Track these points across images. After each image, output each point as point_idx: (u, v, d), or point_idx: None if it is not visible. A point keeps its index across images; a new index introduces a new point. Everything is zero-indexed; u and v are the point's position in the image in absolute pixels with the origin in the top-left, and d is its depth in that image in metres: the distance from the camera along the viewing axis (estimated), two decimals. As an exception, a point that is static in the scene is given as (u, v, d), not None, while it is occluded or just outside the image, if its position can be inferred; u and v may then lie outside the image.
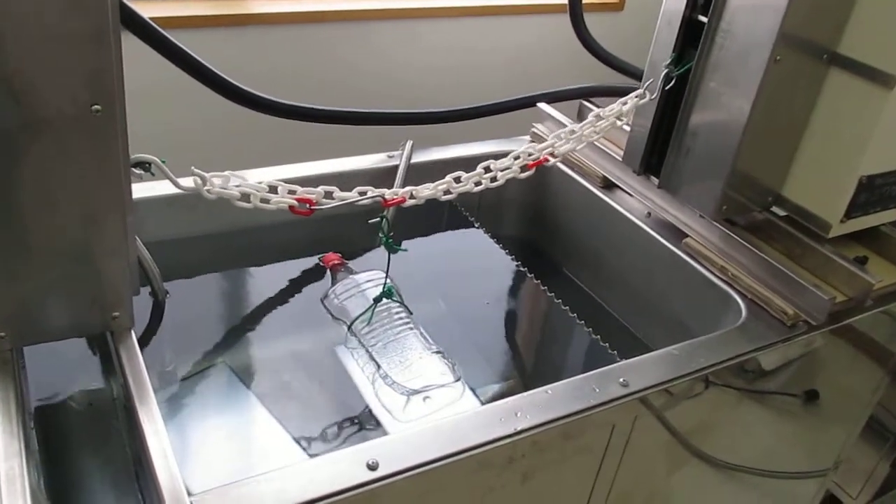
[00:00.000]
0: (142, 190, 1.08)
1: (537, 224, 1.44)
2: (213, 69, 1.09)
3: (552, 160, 1.04)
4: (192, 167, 0.82)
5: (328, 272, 1.20)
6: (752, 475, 1.23)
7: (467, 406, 1.00)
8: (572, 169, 1.34)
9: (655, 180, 1.17)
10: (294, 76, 1.81)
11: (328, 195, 0.89)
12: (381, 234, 0.96)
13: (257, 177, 1.11)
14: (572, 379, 0.88)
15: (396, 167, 1.24)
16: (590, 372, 0.90)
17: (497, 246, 1.28)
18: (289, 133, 1.35)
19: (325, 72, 1.85)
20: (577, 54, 1.44)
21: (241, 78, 1.12)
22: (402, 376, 1.02)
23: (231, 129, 1.57)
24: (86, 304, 0.76)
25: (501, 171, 1.01)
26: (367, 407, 1.01)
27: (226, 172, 0.85)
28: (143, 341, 1.04)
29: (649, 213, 1.23)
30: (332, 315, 1.14)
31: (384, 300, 1.08)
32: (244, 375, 1.05)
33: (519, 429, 0.80)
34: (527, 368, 1.18)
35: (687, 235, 1.17)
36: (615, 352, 1.06)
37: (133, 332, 0.81)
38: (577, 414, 0.84)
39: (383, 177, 1.23)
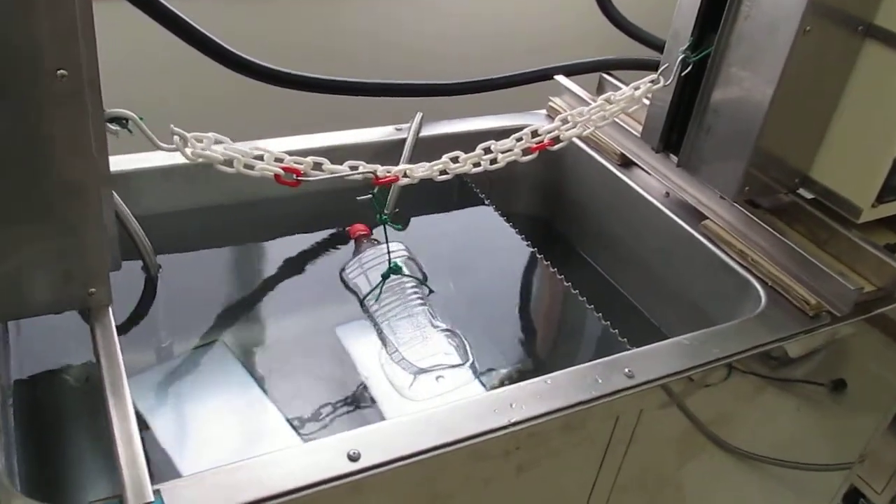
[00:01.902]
0: (140, 161, 1.05)
1: (551, 202, 1.39)
2: (218, 40, 1.05)
3: (557, 145, 0.99)
4: (171, 125, 0.78)
5: (353, 244, 1.17)
6: (772, 466, 1.18)
7: (466, 393, 0.97)
8: (588, 145, 1.28)
9: (675, 159, 1.12)
10: (302, 46, 1.76)
11: (317, 166, 0.85)
12: (375, 213, 0.92)
13: (259, 147, 1.08)
14: (574, 368, 0.83)
15: (404, 140, 1.20)
16: (593, 361, 0.85)
17: (507, 225, 1.24)
18: (296, 105, 1.31)
19: (334, 41, 1.80)
20: (599, 24, 1.39)
21: (245, 48, 1.08)
22: (413, 354, 0.99)
23: (236, 102, 1.53)
24: (60, 279, 0.73)
25: (503, 153, 0.96)
26: (373, 386, 0.98)
27: (209, 133, 0.80)
28: (135, 318, 1.02)
29: (668, 193, 1.17)
30: (349, 288, 1.11)
31: (398, 275, 1.05)
32: (243, 353, 1.02)
33: (513, 420, 0.76)
34: (531, 354, 1.14)
35: (706, 217, 1.11)
36: (625, 339, 1.01)
37: (111, 310, 0.78)
38: (577, 406, 0.79)
39: (390, 150, 1.19)
